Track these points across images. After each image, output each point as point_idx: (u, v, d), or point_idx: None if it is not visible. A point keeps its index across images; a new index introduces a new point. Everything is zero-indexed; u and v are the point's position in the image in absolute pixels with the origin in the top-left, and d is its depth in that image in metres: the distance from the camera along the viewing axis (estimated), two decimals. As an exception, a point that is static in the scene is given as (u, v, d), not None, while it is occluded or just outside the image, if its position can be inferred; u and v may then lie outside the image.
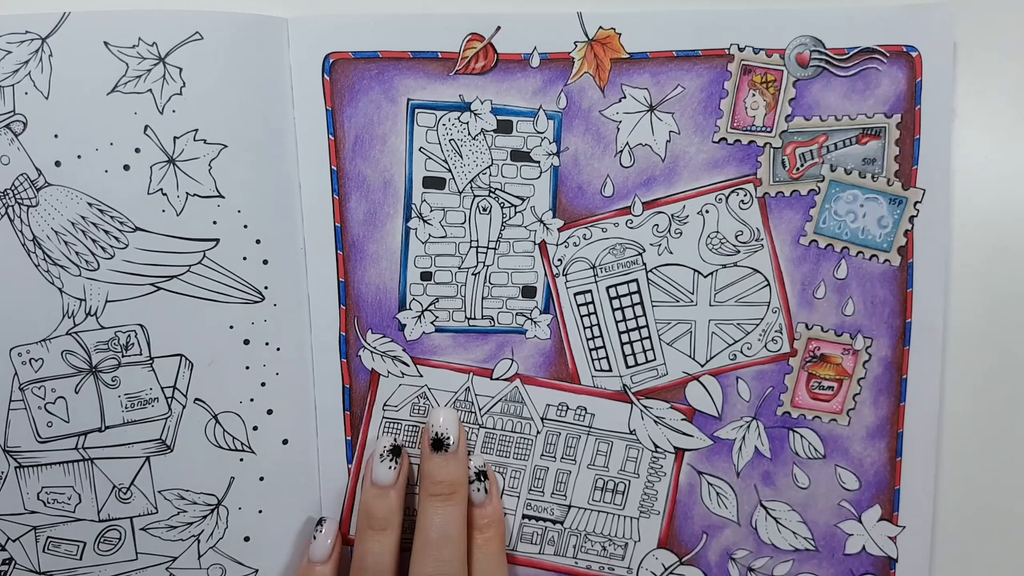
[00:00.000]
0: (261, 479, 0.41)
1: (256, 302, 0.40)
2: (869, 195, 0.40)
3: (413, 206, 0.40)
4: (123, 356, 0.39)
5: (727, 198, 0.40)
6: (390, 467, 0.39)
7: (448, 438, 0.39)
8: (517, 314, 0.41)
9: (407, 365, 0.41)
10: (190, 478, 0.40)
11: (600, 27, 0.39)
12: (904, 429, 0.41)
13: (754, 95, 0.40)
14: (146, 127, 0.38)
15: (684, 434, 0.42)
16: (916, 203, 0.40)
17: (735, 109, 0.40)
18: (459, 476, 0.39)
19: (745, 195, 0.40)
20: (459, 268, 0.41)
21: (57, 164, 0.38)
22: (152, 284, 0.39)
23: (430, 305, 0.41)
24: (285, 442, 0.41)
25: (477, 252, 0.41)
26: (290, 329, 0.40)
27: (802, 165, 0.40)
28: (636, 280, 0.41)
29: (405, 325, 0.41)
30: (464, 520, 0.39)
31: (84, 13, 0.37)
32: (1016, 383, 0.41)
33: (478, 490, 0.40)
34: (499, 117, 0.40)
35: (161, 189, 0.38)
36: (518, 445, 0.42)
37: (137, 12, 0.37)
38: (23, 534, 0.40)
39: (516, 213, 0.40)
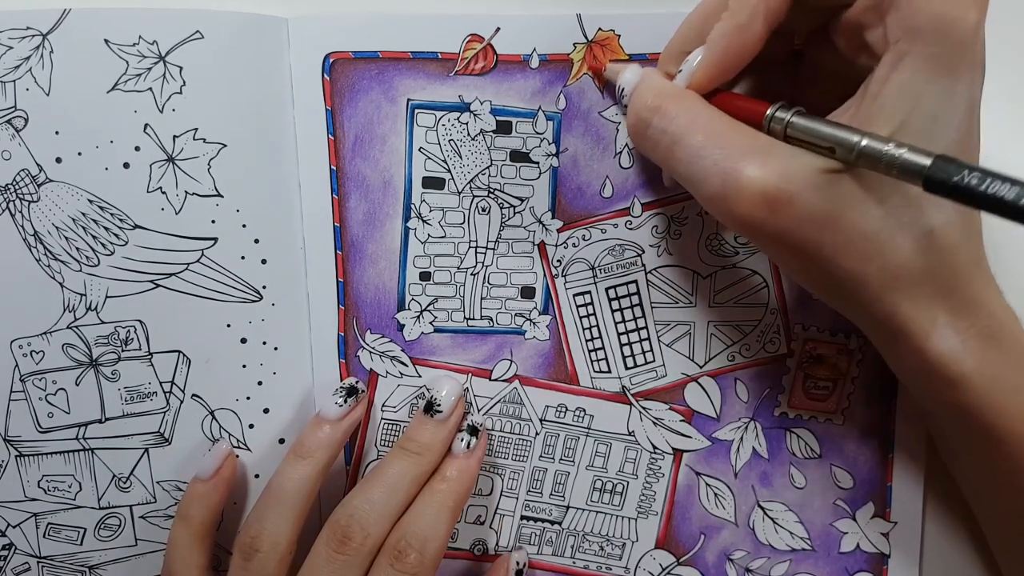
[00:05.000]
0: (256, 476, 0.41)
1: (254, 301, 0.40)
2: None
3: (412, 206, 0.40)
4: (123, 351, 0.39)
5: (725, 199, 0.40)
6: (338, 403, 0.39)
7: (439, 406, 0.39)
8: (516, 315, 0.41)
9: (406, 365, 0.41)
10: (187, 471, 0.40)
11: (599, 29, 0.39)
12: (896, 426, 0.41)
13: (752, 97, 0.40)
14: (146, 125, 0.38)
15: (682, 435, 0.42)
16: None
17: (733, 111, 0.40)
18: (435, 443, 0.38)
19: (743, 196, 0.40)
20: (458, 268, 0.41)
21: (58, 160, 0.38)
22: (151, 281, 0.39)
23: (429, 305, 0.41)
24: (281, 441, 0.41)
25: (476, 252, 0.41)
26: (288, 329, 0.40)
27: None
28: (635, 281, 0.41)
29: (404, 325, 0.41)
30: (420, 484, 0.38)
31: (85, 10, 0.37)
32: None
33: (462, 440, 0.39)
34: (498, 118, 0.40)
35: (160, 187, 0.38)
36: (517, 446, 0.42)
37: (137, 10, 0.37)
38: (23, 520, 0.40)
39: (515, 214, 0.40)
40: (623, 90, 0.37)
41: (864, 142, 0.28)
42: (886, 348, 0.35)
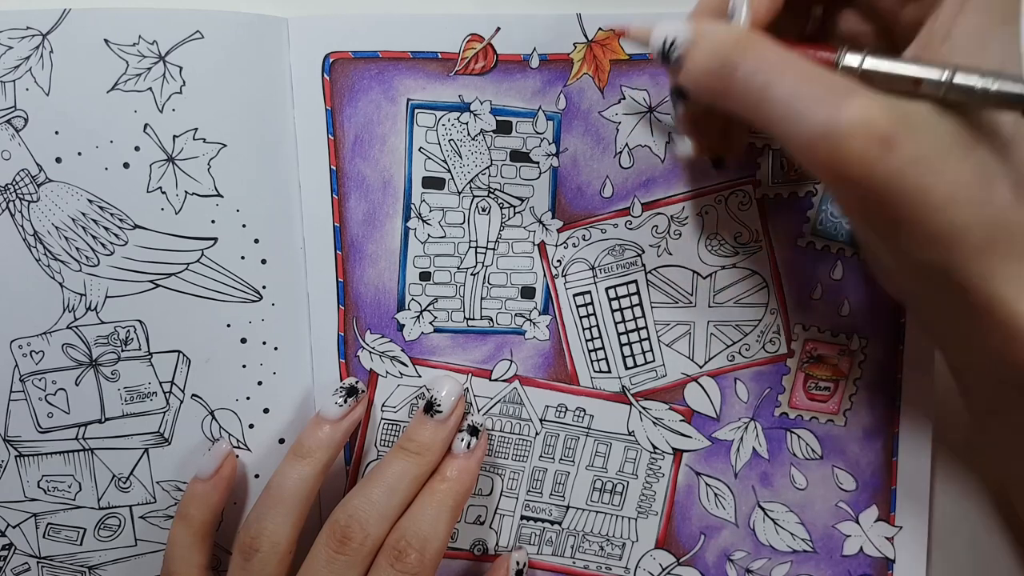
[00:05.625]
0: (256, 476, 0.41)
1: (254, 301, 0.40)
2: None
3: (412, 206, 0.40)
4: (123, 351, 0.39)
5: (726, 199, 0.40)
6: (338, 403, 0.39)
7: (439, 406, 0.39)
8: (516, 315, 0.41)
9: (406, 365, 0.41)
10: (187, 471, 0.40)
11: (599, 28, 0.39)
12: (900, 429, 0.41)
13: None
14: (146, 125, 0.38)
15: (682, 435, 0.42)
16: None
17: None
18: (435, 443, 0.38)
19: (744, 197, 0.40)
20: (458, 268, 0.41)
21: (58, 160, 0.38)
22: (151, 281, 0.39)
23: (429, 305, 0.41)
24: (281, 441, 0.41)
25: (476, 252, 0.41)
26: (288, 329, 0.40)
27: (800, 167, 0.40)
28: (635, 281, 0.41)
29: (404, 325, 0.41)
30: (419, 484, 0.38)
31: (84, 10, 0.37)
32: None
33: (462, 440, 0.39)
34: (498, 118, 0.40)
35: (160, 187, 0.38)
36: (517, 446, 0.42)
37: (137, 10, 0.37)
38: (23, 520, 0.40)
39: (515, 214, 0.40)
40: (673, 42, 0.32)
41: (955, 74, 0.27)
42: (965, 321, 0.31)
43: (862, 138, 0.27)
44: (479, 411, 0.41)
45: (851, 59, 0.30)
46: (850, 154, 0.28)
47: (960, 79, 0.28)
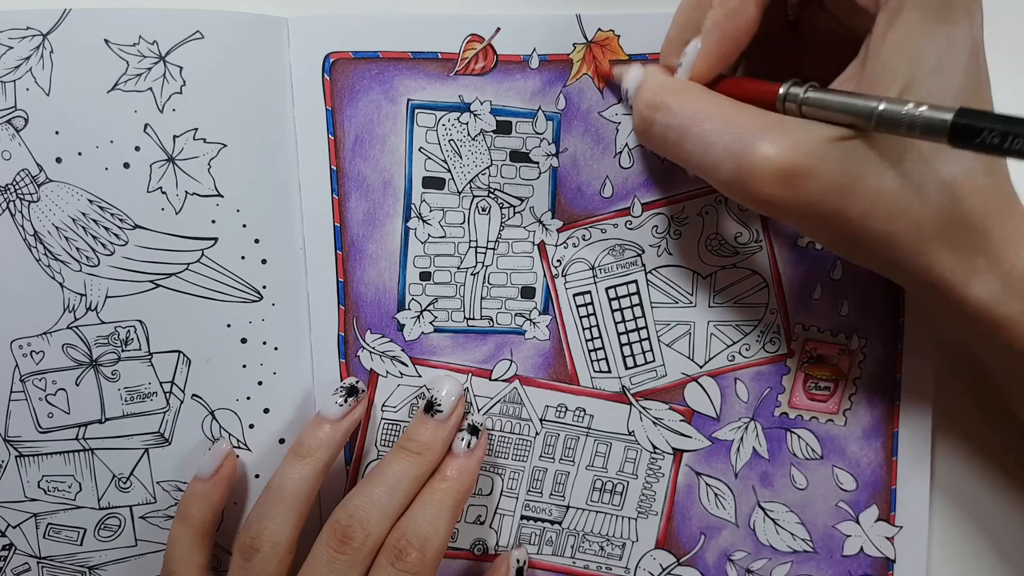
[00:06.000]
0: (257, 476, 0.41)
1: (254, 301, 0.40)
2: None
3: (412, 206, 0.40)
4: (123, 351, 0.39)
5: (726, 200, 0.40)
6: (338, 403, 0.39)
7: (439, 406, 0.39)
8: (516, 315, 0.41)
9: (406, 365, 0.41)
10: (187, 471, 0.40)
11: (599, 29, 0.39)
12: (899, 428, 0.41)
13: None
14: (146, 125, 0.38)
15: (682, 435, 0.42)
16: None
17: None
18: (436, 442, 0.38)
19: (743, 196, 0.40)
20: (458, 268, 0.41)
21: (58, 160, 0.38)
22: (151, 281, 0.39)
23: (429, 305, 0.41)
24: (281, 441, 0.41)
25: (476, 252, 0.41)
26: (288, 329, 0.40)
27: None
28: (635, 281, 0.41)
29: (404, 325, 0.41)
30: (420, 483, 0.38)
31: (85, 10, 0.37)
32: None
33: (462, 439, 0.39)
34: (498, 118, 0.40)
35: (160, 187, 0.38)
36: (517, 446, 0.42)
37: (137, 10, 0.37)
38: (23, 521, 0.40)
39: (515, 214, 0.40)
40: (627, 91, 0.37)
41: (881, 107, 0.28)
42: (928, 302, 0.34)
43: (767, 180, 0.30)
44: (479, 411, 0.41)
45: (792, 95, 0.31)
46: (760, 195, 0.30)
47: (887, 111, 0.28)
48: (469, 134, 0.40)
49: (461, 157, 0.40)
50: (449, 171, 0.40)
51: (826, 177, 0.30)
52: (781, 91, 0.32)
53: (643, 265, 0.41)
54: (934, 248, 0.31)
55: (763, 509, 0.42)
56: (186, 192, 0.38)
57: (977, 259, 0.31)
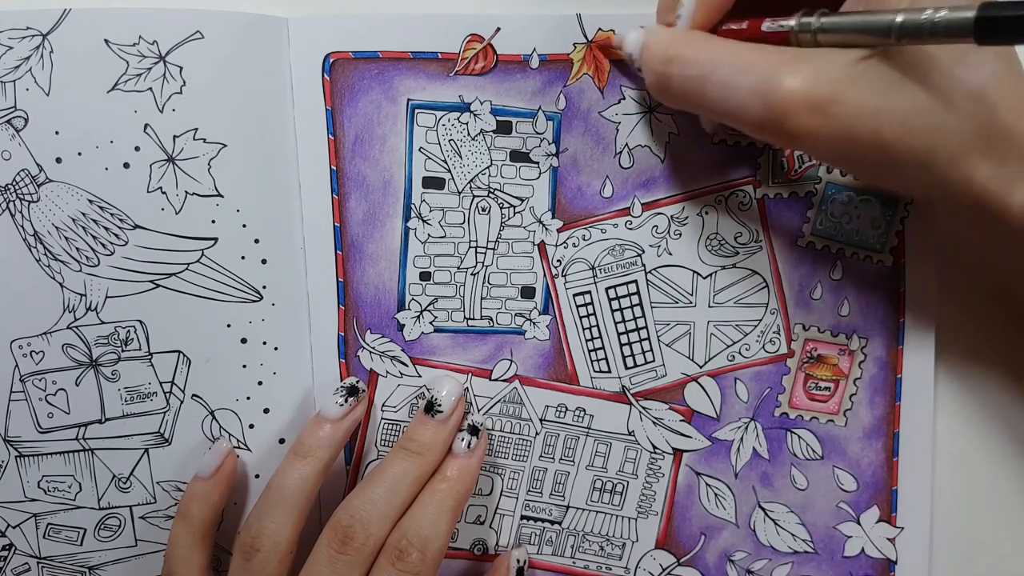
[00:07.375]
0: (257, 476, 0.41)
1: (254, 301, 0.40)
2: (863, 196, 0.40)
3: (412, 206, 0.40)
4: (123, 351, 0.39)
5: (727, 199, 0.40)
6: (338, 403, 0.39)
7: (440, 406, 0.39)
8: (516, 315, 0.41)
9: (406, 365, 0.41)
10: (187, 471, 0.40)
11: (599, 29, 0.39)
12: (900, 429, 0.41)
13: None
14: (146, 125, 0.38)
15: (682, 435, 0.42)
16: (906, 204, 0.40)
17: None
18: (436, 443, 0.38)
19: (744, 197, 0.40)
20: (458, 268, 0.41)
21: (58, 160, 0.38)
22: (151, 281, 0.39)
23: (429, 305, 0.41)
24: (282, 441, 0.41)
25: (476, 252, 0.41)
26: (288, 329, 0.40)
27: (800, 167, 0.40)
28: (635, 281, 0.41)
29: (404, 325, 0.41)
30: (420, 483, 0.38)
31: (85, 10, 0.37)
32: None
33: (462, 440, 0.39)
34: (498, 118, 0.40)
35: (160, 187, 0.38)
36: (517, 446, 0.42)
37: (137, 10, 0.37)
38: (23, 521, 0.40)
39: (515, 214, 0.40)
40: (631, 55, 0.36)
41: (900, 18, 0.27)
42: (970, 220, 0.34)
43: (797, 114, 0.30)
44: (479, 411, 0.41)
45: (804, 26, 0.31)
46: (793, 130, 0.30)
47: (908, 20, 0.27)
48: (469, 134, 0.40)
49: (461, 157, 0.40)
50: (449, 171, 0.40)
51: (856, 100, 0.29)
52: (793, 23, 0.31)
53: (643, 265, 0.41)
54: (972, 160, 0.30)
55: (763, 509, 0.42)
56: (186, 192, 0.38)
57: (1017, 166, 0.30)
